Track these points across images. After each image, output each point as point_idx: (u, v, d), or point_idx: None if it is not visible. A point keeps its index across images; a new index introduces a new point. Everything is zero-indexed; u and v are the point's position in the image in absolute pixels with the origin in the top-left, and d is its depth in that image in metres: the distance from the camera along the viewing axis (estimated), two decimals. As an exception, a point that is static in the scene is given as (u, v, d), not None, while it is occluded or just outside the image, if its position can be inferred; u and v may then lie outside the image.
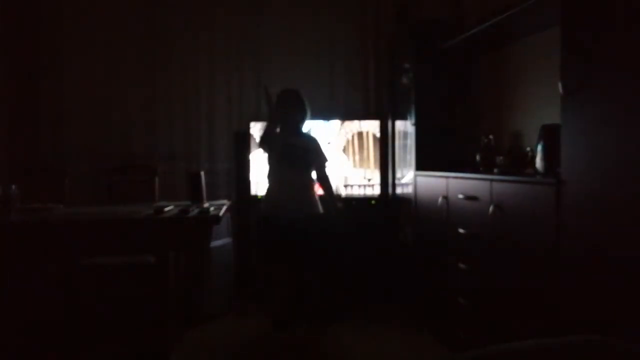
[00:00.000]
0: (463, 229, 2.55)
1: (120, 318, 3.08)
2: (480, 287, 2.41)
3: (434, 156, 3.22)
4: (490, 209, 2.23)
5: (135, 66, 3.98)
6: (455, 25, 3.08)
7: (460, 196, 2.56)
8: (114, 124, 3.96)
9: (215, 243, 3.50)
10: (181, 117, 4.02)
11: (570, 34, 1.78)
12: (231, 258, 3.72)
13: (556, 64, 1.84)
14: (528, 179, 2.09)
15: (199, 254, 3.41)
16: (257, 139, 3.22)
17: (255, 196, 3.79)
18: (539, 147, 2.12)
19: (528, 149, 2.53)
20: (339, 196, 3.30)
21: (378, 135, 3.84)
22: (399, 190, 3.71)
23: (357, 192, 3.83)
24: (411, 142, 3.37)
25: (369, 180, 3.84)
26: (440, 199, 2.80)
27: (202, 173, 2.97)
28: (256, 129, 3.82)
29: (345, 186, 3.80)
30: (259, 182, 3.79)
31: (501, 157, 2.59)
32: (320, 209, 3.17)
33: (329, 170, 3.26)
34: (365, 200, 3.81)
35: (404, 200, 3.56)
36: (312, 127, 3.51)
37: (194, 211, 2.63)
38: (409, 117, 3.42)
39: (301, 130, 3.22)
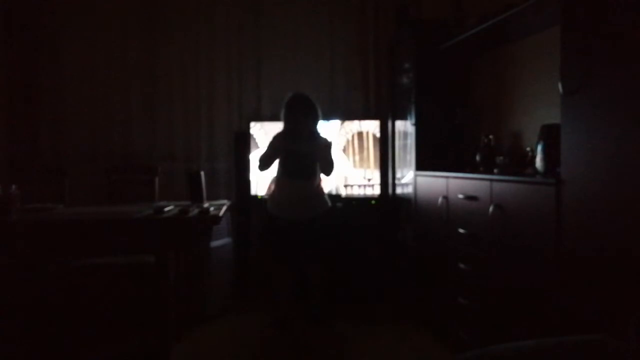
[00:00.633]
0: (463, 229, 2.55)
1: (120, 318, 3.08)
2: (480, 287, 2.41)
3: (434, 156, 3.22)
4: (490, 209, 2.23)
5: (135, 66, 3.98)
6: (455, 25, 3.08)
7: (460, 196, 2.56)
8: (114, 124, 3.97)
9: (215, 243, 3.51)
10: (181, 117, 4.02)
11: (570, 34, 1.78)
12: (231, 258, 3.72)
13: (556, 64, 1.84)
14: (528, 179, 2.09)
15: (199, 254, 3.41)
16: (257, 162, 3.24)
17: (255, 196, 3.79)
18: (539, 147, 2.12)
19: (528, 149, 2.53)
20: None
21: (378, 135, 3.84)
22: (399, 190, 3.71)
23: (357, 192, 3.83)
24: (411, 142, 3.37)
25: (369, 180, 3.84)
26: (440, 199, 2.80)
27: (202, 173, 2.97)
28: (256, 129, 3.82)
29: (345, 186, 3.80)
30: (259, 182, 3.79)
31: (501, 157, 2.60)
32: (329, 203, 3.20)
33: (334, 174, 3.27)
34: (365, 200, 3.81)
35: (404, 200, 3.56)
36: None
37: (194, 211, 2.63)
38: (409, 117, 3.42)
39: (313, 134, 3.20)
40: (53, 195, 3.26)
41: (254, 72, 4.06)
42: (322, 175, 3.23)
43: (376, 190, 3.83)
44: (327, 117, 3.83)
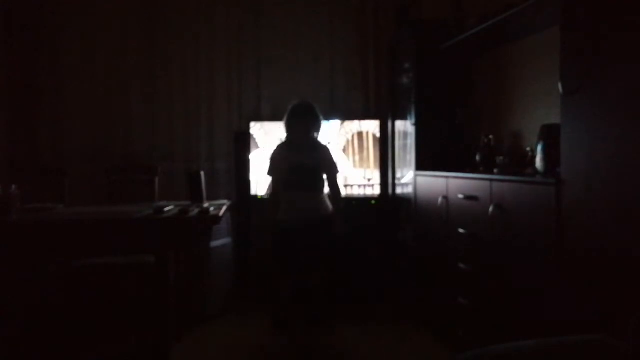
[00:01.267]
0: (463, 229, 2.55)
1: (120, 318, 3.08)
2: (480, 287, 2.41)
3: (434, 156, 3.22)
4: (490, 209, 2.23)
5: (135, 66, 3.98)
6: (455, 25, 3.07)
7: (460, 196, 2.56)
8: (114, 124, 3.97)
9: (215, 243, 3.50)
10: (181, 117, 4.02)
11: (570, 34, 1.78)
12: (231, 258, 3.72)
13: (556, 64, 1.84)
14: (528, 179, 2.09)
15: (199, 254, 3.41)
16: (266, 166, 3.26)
17: (255, 196, 3.79)
18: (539, 147, 2.12)
19: (528, 149, 2.53)
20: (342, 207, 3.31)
21: (378, 135, 3.84)
22: (399, 190, 3.71)
23: (357, 192, 3.83)
24: (411, 142, 3.37)
25: (369, 180, 3.84)
26: (440, 199, 2.80)
27: (202, 173, 2.97)
28: (256, 129, 3.82)
29: (345, 186, 3.80)
30: (259, 182, 3.79)
31: (501, 157, 2.60)
32: (330, 207, 3.20)
33: (340, 179, 3.27)
34: (365, 200, 3.81)
35: (404, 200, 3.56)
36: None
37: (194, 211, 2.63)
38: (409, 117, 3.42)
39: (313, 142, 3.20)
40: (53, 195, 3.26)
41: (254, 72, 4.06)
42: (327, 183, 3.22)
43: (376, 190, 3.83)
44: (327, 117, 3.83)
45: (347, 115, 3.91)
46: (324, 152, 3.20)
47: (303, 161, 3.12)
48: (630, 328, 1.35)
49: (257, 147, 3.82)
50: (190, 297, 3.35)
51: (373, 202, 3.82)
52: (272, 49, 4.04)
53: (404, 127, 3.56)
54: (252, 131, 3.82)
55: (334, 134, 3.82)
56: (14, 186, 2.66)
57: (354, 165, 3.84)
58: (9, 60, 3.86)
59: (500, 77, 3.06)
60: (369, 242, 3.78)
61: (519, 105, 2.86)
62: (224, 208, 2.82)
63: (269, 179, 3.26)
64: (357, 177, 3.84)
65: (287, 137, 3.21)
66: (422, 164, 3.22)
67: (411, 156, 3.36)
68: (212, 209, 2.70)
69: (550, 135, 2.04)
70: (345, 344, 3.02)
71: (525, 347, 1.31)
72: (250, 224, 3.89)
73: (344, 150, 3.84)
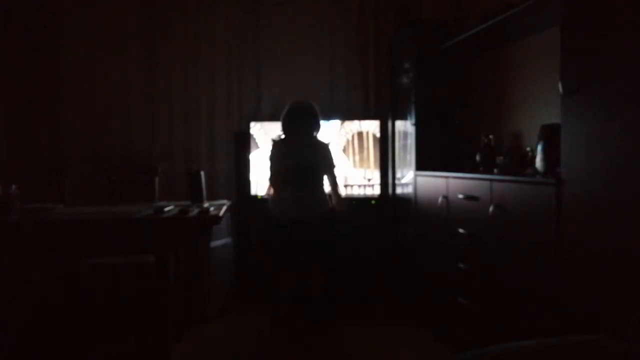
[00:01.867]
0: (463, 229, 2.55)
1: (120, 318, 3.08)
2: (480, 287, 2.41)
3: (434, 156, 3.22)
4: (490, 209, 2.23)
5: (135, 66, 3.97)
6: (455, 25, 3.08)
7: (460, 196, 2.56)
8: (114, 124, 3.96)
9: (215, 243, 3.50)
10: (181, 117, 4.02)
11: (570, 34, 1.78)
12: (231, 258, 3.72)
13: (556, 64, 1.84)
14: (528, 179, 2.09)
15: (199, 254, 3.40)
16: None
17: (255, 196, 3.79)
18: (539, 147, 2.12)
19: (528, 149, 2.53)
20: (345, 200, 3.32)
21: (378, 135, 3.84)
22: (399, 190, 3.71)
23: (357, 192, 3.83)
24: (411, 142, 3.37)
25: (369, 180, 3.84)
26: (440, 199, 2.80)
27: (202, 173, 2.97)
28: (256, 129, 3.82)
29: (345, 186, 3.80)
30: (259, 182, 3.79)
31: (501, 157, 2.60)
32: (329, 203, 3.20)
33: (338, 174, 3.27)
34: (365, 200, 3.81)
35: (404, 200, 3.56)
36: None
37: (194, 211, 2.63)
38: (409, 117, 3.42)
39: (311, 140, 3.19)
40: (53, 195, 3.26)
41: (254, 72, 4.05)
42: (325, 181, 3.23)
43: (376, 190, 3.83)
44: (327, 117, 3.83)
45: (347, 115, 3.91)
46: (321, 149, 3.19)
47: (299, 160, 3.11)
48: (630, 328, 1.35)
49: (257, 147, 3.82)
50: (190, 297, 3.35)
51: (373, 202, 3.82)
52: (272, 49, 4.04)
53: (404, 127, 3.56)
54: (252, 131, 3.82)
55: (334, 134, 3.82)
56: (14, 186, 2.66)
57: (354, 165, 3.84)
58: (9, 60, 3.86)
59: (500, 77, 3.06)
60: (369, 242, 3.78)
61: (519, 105, 2.86)
62: (224, 208, 2.82)
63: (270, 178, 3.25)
64: (357, 177, 3.84)
65: (284, 136, 3.21)
66: (422, 164, 3.22)
67: (411, 156, 3.36)
68: (212, 209, 2.70)
69: (550, 135, 2.04)
70: (345, 344, 3.02)
71: (525, 347, 1.31)
72: (250, 224, 3.89)
73: (344, 150, 3.84)
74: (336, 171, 3.23)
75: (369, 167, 3.84)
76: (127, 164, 3.81)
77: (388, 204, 3.84)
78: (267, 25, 4.04)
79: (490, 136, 2.79)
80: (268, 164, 3.20)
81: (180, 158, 4.01)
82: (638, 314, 1.35)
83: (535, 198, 1.95)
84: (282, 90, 4.03)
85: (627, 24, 1.54)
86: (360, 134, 3.85)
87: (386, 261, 3.78)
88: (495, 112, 3.12)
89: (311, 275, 3.25)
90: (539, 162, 2.12)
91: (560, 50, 1.81)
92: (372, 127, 3.85)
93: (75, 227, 2.54)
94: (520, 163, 2.48)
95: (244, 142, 3.83)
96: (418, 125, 3.29)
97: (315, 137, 3.22)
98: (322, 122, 3.25)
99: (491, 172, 2.53)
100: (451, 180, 2.71)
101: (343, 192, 3.34)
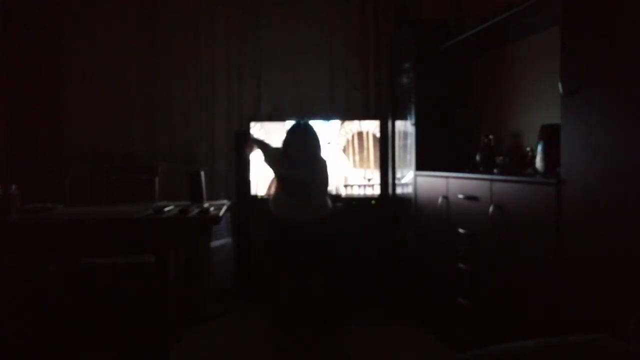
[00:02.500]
0: (463, 229, 2.55)
1: (120, 318, 3.08)
2: (480, 287, 2.41)
3: (434, 156, 3.22)
4: (490, 209, 2.23)
5: (135, 66, 3.97)
6: (455, 25, 3.08)
7: (460, 196, 2.56)
8: (114, 124, 3.96)
9: (215, 243, 3.50)
10: (181, 117, 4.02)
11: (570, 34, 1.78)
12: (231, 258, 3.72)
13: (556, 64, 1.84)
14: (528, 179, 2.09)
15: (199, 254, 3.40)
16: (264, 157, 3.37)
17: (255, 196, 3.79)
18: (539, 147, 2.12)
19: (528, 149, 2.53)
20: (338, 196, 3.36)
21: (378, 135, 3.84)
22: (399, 190, 3.71)
23: (357, 192, 3.82)
24: (411, 142, 3.37)
25: (369, 180, 3.84)
26: (440, 199, 2.80)
27: (202, 173, 2.97)
28: (256, 129, 3.82)
29: (345, 186, 3.80)
30: (259, 182, 3.79)
31: (501, 157, 2.59)
32: (330, 205, 3.23)
33: (331, 189, 3.39)
34: (365, 200, 3.81)
35: (404, 200, 3.56)
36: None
37: (194, 211, 2.63)
38: (409, 117, 3.42)
39: (311, 157, 3.22)
40: (53, 195, 3.25)
41: (254, 72, 4.05)
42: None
43: (376, 190, 3.83)
44: (327, 117, 3.83)
45: (347, 115, 3.91)
46: (319, 167, 3.23)
47: (295, 175, 3.16)
48: (630, 328, 1.35)
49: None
50: (190, 297, 3.35)
51: (373, 202, 3.82)
52: (272, 49, 4.04)
53: (404, 127, 3.56)
54: (252, 131, 3.82)
55: (334, 134, 3.82)
56: (14, 186, 2.66)
57: (354, 165, 3.84)
58: (9, 60, 3.86)
59: (500, 77, 3.06)
60: (369, 242, 3.78)
61: (519, 105, 2.86)
62: (224, 208, 2.82)
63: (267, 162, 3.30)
64: (357, 177, 3.84)
65: (285, 153, 3.24)
66: (422, 164, 3.22)
67: (411, 156, 3.36)
68: (212, 209, 2.70)
69: (550, 135, 2.04)
70: (345, 343, 3.02)
71: (525, 347, 1.31)
72: (250, 224, 3.89)
73: (344, 150, 3.84)
74: (329, 189, 3.32)
75: (369, 167, 3.84)
76: (127, 164, 3.81)
77: (388, 204, 3.84)
78: (267, 25, 4.04)
79: (490, 136, 2.79)
80: (268, 160, 3.25)
81: (180, 158, 4.01)
82: (638, 314, 1.35)
83: (535, 198, 1.95)
84: (282, 91, 4.03)
85: (627, 24, 1.54)
86: (360, 134, 3.85)
87: (386, 261, 3.78)
88: (495, 112, 3.12)
89: (311, 276, 3.26)
90: (539, 162, 2.12)
91: (560, 50, 1.81)
92: (372, 127, 3.85)
93: (75, 227, 2.54)
94: (520, 163, 2.48)
95: (244, 142, 3.83)
96: (418, 125, 3.29)
97: (316, 153, 3.24)
98: (321, 142, 3.28)
99: (491, 172, 2.53)
100: (451, 180, 2.71)
101: (343, 193, 3.40)
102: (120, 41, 3.96)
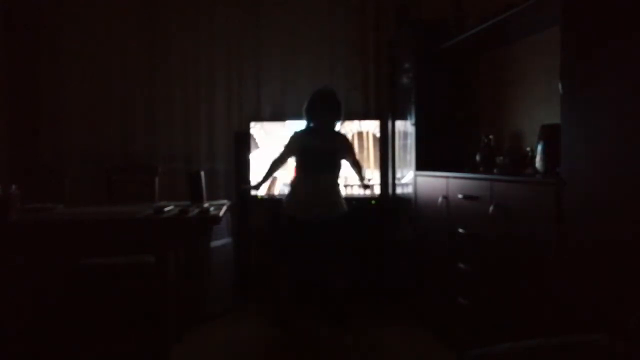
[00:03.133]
0: (463, 229, 2.55)
1: (121, 318, 3.08)
2: (480, 287, 2.41)
3: (434, 156, 3.22)
4: (490, 209, 2.23)
5: (135, 66, 3.98)
6: (455, 25, 3.07)
7: (460, 196, 2.56)
8: (114, 124, 3.96)
9: (215, 243, 3.50)
10: (181, 117, 4.02)
11: (570, 34, 1.78)
12: (231, 258, 3.72)
13: (556, 64, 1.84)
14: (528, 179, 2.09)
15: (199, 254, 3.41)
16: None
17: (255, 196, 3.79)
18: (539, 147, 2.12)
19: (528, 149, 2.53)
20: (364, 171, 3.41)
21: (378, 135, 3.84)
22: (399, 190, 3.71)
23: (357, 192, 3.82)
24: (411, 142, 3.37)
25: (369, 180, 3.84)
26: (440, 199, 2.80)
27: (202, 173, 2.97)
28: (256, 129, 3.82)
29: (345, 186, 3.80)
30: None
31: (501, 157, 2.59)
32: (345, 207, 3.25)
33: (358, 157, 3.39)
34: (365, 200, 3.81)
35: (404, 200, 3.55)
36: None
37: (194, 211, 2.63)
38: (409, 117, 3.42)
39: (331, 130, 3.27)
40: (53, 195, 3.26)
41: (254, 72, 4.05)
42: (349, 163, 3.30)
43: (376, 190, 3.83)
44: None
45: (347, 115, 3.90)
46: (341, 138, 3.31)
47: (321, 145, 3.18)
48: (630, 328, 1.35)
49: (257, 147, 3.82)
50: (190, 297, 3.35)
51: (373, 202, 3.82)
52: (272, 49, 4.04)
53: (404, 127, 3.56)
54: (252, 131, 3.82)
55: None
56: (14, 186, 2.66)
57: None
58: (9, 60, 3.86)
59: (501, 77, 3.06)
60: (369, 242, 3.78)
61: (519, 105, 2.86)
62: (224, 208, 2.82)
63: (281, 157, 3.30)
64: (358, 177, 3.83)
65: (308, 123, 3.26)
66: (422, 164, 3.22)
67: (411, 156, 3.35)
68: (212, 209, 2.71)
69: (550, 135, 2.04)
70: (345, 343, 3.02)
71: (526, 347, 1.31)
72: (250, 224, 3.89)
73: (344, 150, 3.83)
74: (356, 154, 3.35)
75: (369, 167, 3.84)
76: (127, 164, 3.82)
77: (388, 204, 3.84)
78: (267, 25, 4.04)
79: (490, 136, 2.79)
80: (285, 143, 3.28)
81: (180, 158, 4.01)
82: (638, 314, 1.35)
83: (535, 198, 1.95)
84: (282, 90, 4.03)
85: (627, 24, 1.54)
86: (360, 134, 3.85)
87: (386, 261, 3.78)
88: (495, 112, 3.12)
89: (330, 278, 3.25)
90: (539, 162, 2.12)
91: (560, 50, 1.81)
92: (372, 127, 3.85)
93: (75, 227, 2.54)
94: (520, 163, 2.48)
95: (244, 142, 3.84)
96: (418, 125, 3.28)
97: (334, 127, 3.28)
98: (343, 111, 3.30)
99: (491, 172, 2.53)
100: (451, 180, 2.71)
101: (364, 170, 3.40)
102: (120, 41, 3.96)
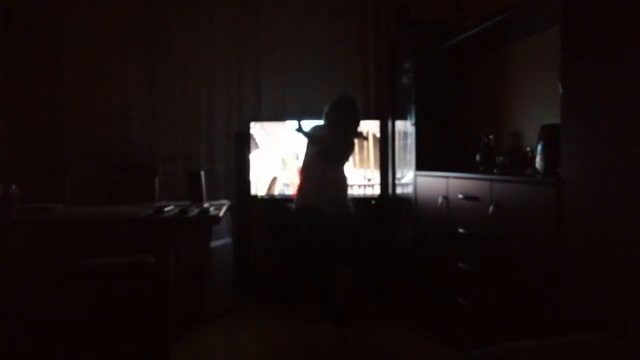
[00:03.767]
0: (463, 229, 2.54)
1: (120, 318, 3.08)
2: (480, 287, 2.41)
3: (434, 156, 3.22)
4: (490, 209, 2.23)
5: (135, 66, 3.98)
6: (455, 25, 3.08)
7: (460, 196, 2.56)
8: (114, 124, 3.96)
9: (215, 243, 3.50)
10: (181, 117, 4.02)
11: (570, 34, 1.78)
12: (231, 258, 3.72)
13: (556, 64, 1.84)
14: (528, 179, 2.09)
15: (199, 254, 3.40)
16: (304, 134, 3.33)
17: (255, 196, 3.79)
18: (539, 147, 2.12)
19: (528, 149, 2.53)
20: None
21: (378, 135, 3.84)
22: (399, 190, 3.71)
23: (357, 192, 3.82)
24: (411, 142, 3.37)
25: (369, 180, 3.84)
26: (440, 199, 2.80)
27: (202, 173, 2.97)
28: (256, 129, 3.82)
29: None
30: (259, 182, 3.79)
31: (501, 157, 2.60)
32: (352, 207, 3.26)
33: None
34: (365, 200, 3.81)
35: (404, 200, 3.55)
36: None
37: (194, 211, 2.63)
38: (409, 117, 3.42)
39: (349, 132, 3.32)
40: (53, 195, 3.26)
41: (254, 72, 4.05)
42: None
43: (376, 190, 3.83)
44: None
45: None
46: (351, 145, 3.36)
47: (334, 139, 3.22)
48: (630, 328, 1.35)
49: (257, 147, 3.82)
50: (190, 297, 3.35)
51: (373, 202, 3.82)
52: (272, 49, 4.04)
53: (404, 127, 3.56)
54: (252, 131, 3.82)
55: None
56: (14, 186, 2.66)
57: (354, 165, 3.84)
58: (9, 60, 3.86)
59: (501, 77, 3.06)
60: (369, 242, 3.78)
61: (519, 105, 2.86)
62: (224, 208, 2.82)
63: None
64: (357, 177, 3.84)
65: (325, 123, 3.30)
66: (422, 164, 3.22)
67: (411, 156, 3.36)
68: (212, 209, 2.70)
69: (550, 135, 2.04)
70: (344, 343, 3.02)
71: (526, 347, 1.31)
72: (250, 224, 3.89)
73: (344, 150, 3.83)
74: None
75: (369, 167, 3.84)
76: (127, 164, 3.81)
77: (388, 204, 3.84)
78: (267, 25, 4.04)
79: (490, 136, 2.79)
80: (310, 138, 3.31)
81: (180, 158, 4.01)
82: (638, 314, 1.35)
83: (535, 198, 1.95)
84: (282, 90, 4.03)
85: (627, 24, 1.54)
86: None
87: (386, 261, 3.78)
88: (495, 112, 3.12)
89: (339, 276, 3.26)
90: (539, 162, 2.12)
91: (560, 50, 1.81)
92: (372, 127, 3.85)
93: (75, 227, 2.54)
94: (520, 163, 2.48)
95: (244, 142, 3.84)
96: (418, 125, 3.29)
97: (352, 131, 3.34)
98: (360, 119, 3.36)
99: (491, 172, 2.53)
100: (451, 180, 2.71)
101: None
102: (120, 41, 3.96)
